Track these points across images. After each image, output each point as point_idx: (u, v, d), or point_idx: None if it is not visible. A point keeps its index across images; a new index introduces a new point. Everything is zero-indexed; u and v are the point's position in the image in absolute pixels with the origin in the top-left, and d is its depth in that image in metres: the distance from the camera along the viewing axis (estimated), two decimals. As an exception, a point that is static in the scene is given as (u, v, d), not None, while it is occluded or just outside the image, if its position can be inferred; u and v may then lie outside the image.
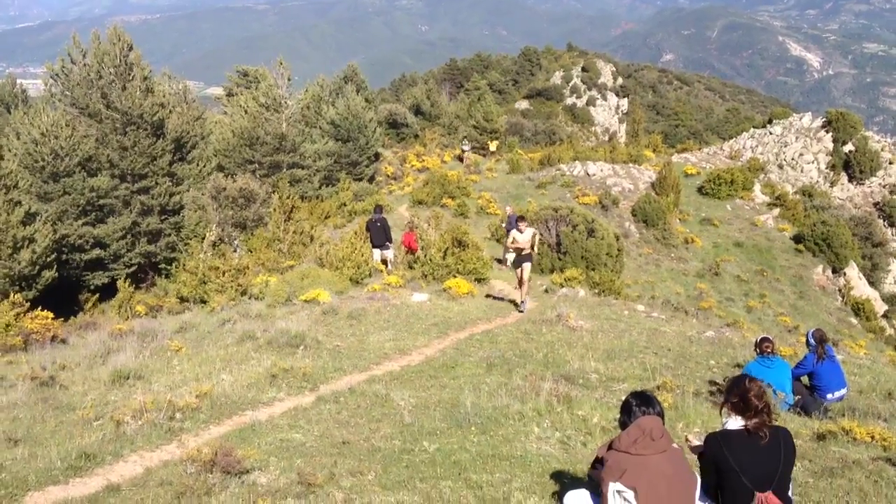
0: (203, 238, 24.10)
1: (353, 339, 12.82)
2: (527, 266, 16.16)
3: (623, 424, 4.80)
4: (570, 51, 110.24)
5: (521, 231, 16.04)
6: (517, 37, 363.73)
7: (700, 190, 37.75)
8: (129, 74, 28.20)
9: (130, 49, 28.35)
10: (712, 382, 10.59)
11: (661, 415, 4.79)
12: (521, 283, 16.27)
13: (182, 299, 19.83)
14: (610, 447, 4.78)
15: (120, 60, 28.06)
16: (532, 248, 16.22)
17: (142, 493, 6.59)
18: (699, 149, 50.87)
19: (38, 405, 10.22)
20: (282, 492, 6.37)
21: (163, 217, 28.45)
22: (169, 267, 28.19)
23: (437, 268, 19.07)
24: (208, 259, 19.64)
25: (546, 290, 18.66)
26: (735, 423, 4.91)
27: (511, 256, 16.74)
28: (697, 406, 8.96)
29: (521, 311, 15.77)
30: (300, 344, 12.27)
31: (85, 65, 28.26)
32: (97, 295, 25.93)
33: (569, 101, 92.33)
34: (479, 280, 19.10)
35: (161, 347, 13.15)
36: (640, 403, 4.80)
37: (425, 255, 20.09)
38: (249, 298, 18.03)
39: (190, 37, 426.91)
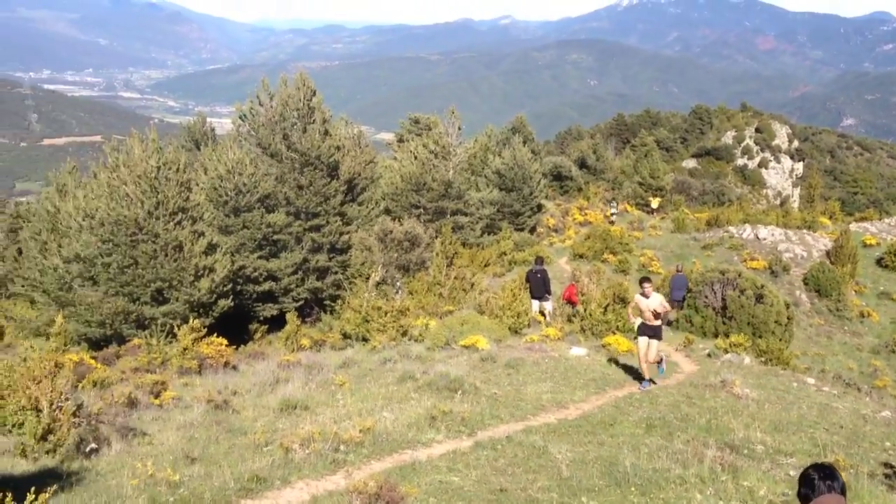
0: (367, 278, 24.88)
1: (510, 388, 12.86)
2: (654, 344, 13.79)
3: (804, 498, 4.56)
4: (744, 111, 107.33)
5: (645, 296, 13.76)
6: (688, 95, 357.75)
7: (879, 262, 35.67)
8: (311, 118, 29.69)
9: (314, 94, 29.87)
10: (888, 465, 9.94)
11: (843, 492, 4.53)
12: (641, 360, 13.89)
13: (345, 336, 20.50)
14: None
15: (303, 104, 29.60)
16: (658, 317, 13.81)
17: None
18: (879, 218, 48.15)
19: (213, 427, 10.81)
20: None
21: (331, 255, 29.58)
22: (333, 304, 29.20)
23: (597, 323, 18.89)
24: (372, 299, 20.22)
25: (709, 355, 18.09)
26: None
27: (637, 321, 14.19)
28: (872, 488, 8.45)
29: (643, 389, 13.44)
30: (458, 388, 12.42)
31: (271, 107, 30.00)
32: (266, 326, 27.15)
33: (739, 161, 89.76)
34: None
35: (326, 381, 13.64)
36: (823, 477, 4.51)
37: (585, 310, 19.94)
38: (409, 340, 18.41)
39: (365, 84, 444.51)
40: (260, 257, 27.62)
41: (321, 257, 29.26)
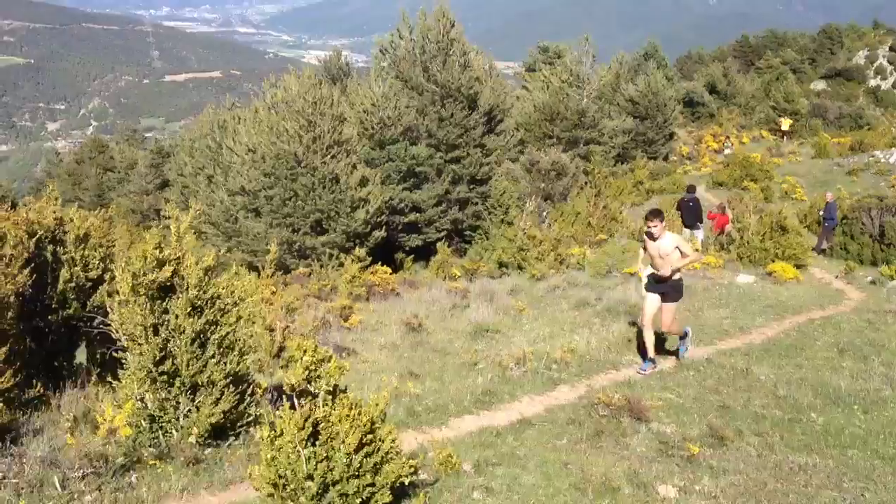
0: (506, 209, 25.39)
1: (689, 314, 13.17)
2: (668, 307, 9.87)
3: None
4: (877, 28, 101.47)
5: (652, 237, 9.76)
6: (815, 12, 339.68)
7: None
8: (450, 50, 29.98)
9: (452, 26, 30.06)
10: None
11: None
12: (645, 325, 9.91)
13: (500, 264, 21.07)
14: None
15: (442, 36, 29.87)
16: (674, 270, 9.68)
17: (555, 428, 7.45)
18: None
19: (417, 348, 11.56)
20: (695, 441, 6.95)
21: (471, 186, 30.10)
22: (473, 234, 29.87)
23: (756, 251, 18.86)
24: (527, 228, 20.69)
25: (873, 282, 17.87)
26: None
27: (646, 271, 10.21)
28: None
29: (643, 373, 9.62)
30: (637, 313, 12.81)
31: (411, 40, 30.42)
32: (411, 256, 28.05)
33: (872, 82, 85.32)
34: (798, 266, 18.66)
35: (505, 306, 14.24)
36: None
37: (741, 238, 19.90)
38: (567, 268, 18.85)
39: (476, 11, 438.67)
40: (405, 189, 28.41)
41: (462, 188, 29.81)
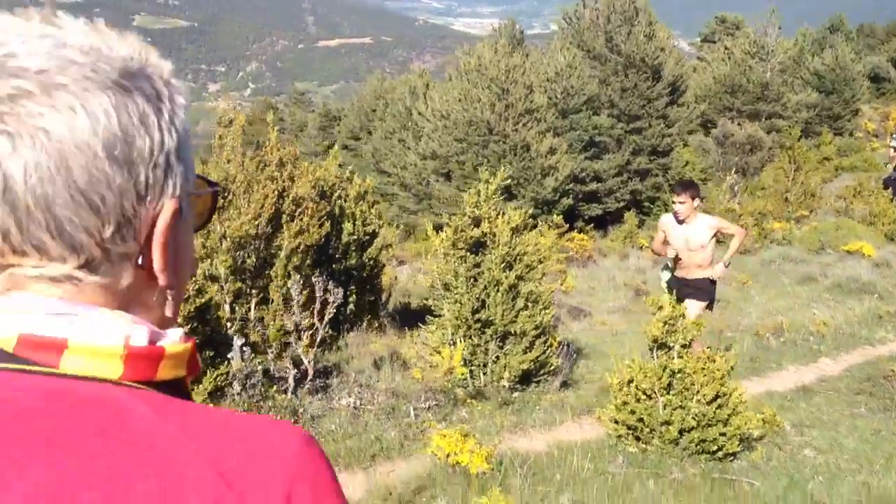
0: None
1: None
2: (692, 305, 7.22)
3: None
4: None
5: (678, 218, 7.28)
6: None
7: None
8: (636, 19, 29.72)
9: (639, -6, 29.82)
10: None
11: None
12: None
13: (696, 237, 20.91)
14: None
15: (628, 5, 29.64)
16: (708, 263, 7.41)
17: (842, 397, 7.59)
18: None
19: (644, 314, 11.79)
20: None
21: (651, 158, 29.89)
22: (651, 206, 29.70)
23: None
24: (725, 201, 20.49)
25: None
26: None
27: (665, 274, 7.81)
28: None
29: None
30: (871, 291, 12.60)
31: (595, 9, 30.32)
32: (591, 225, 28.20)
33: None
34: None
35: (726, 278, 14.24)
36: None
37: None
38: (771, 243, 18.58)
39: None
40: (586, 158, 28.51)
41: (642, 159, 29.65)
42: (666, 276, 7.61)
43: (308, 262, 8.95)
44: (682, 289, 7.14)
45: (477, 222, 7.39)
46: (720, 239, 7.83)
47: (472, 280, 7.22)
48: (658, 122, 29.70)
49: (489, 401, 7.00)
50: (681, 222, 7.16)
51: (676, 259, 7.42)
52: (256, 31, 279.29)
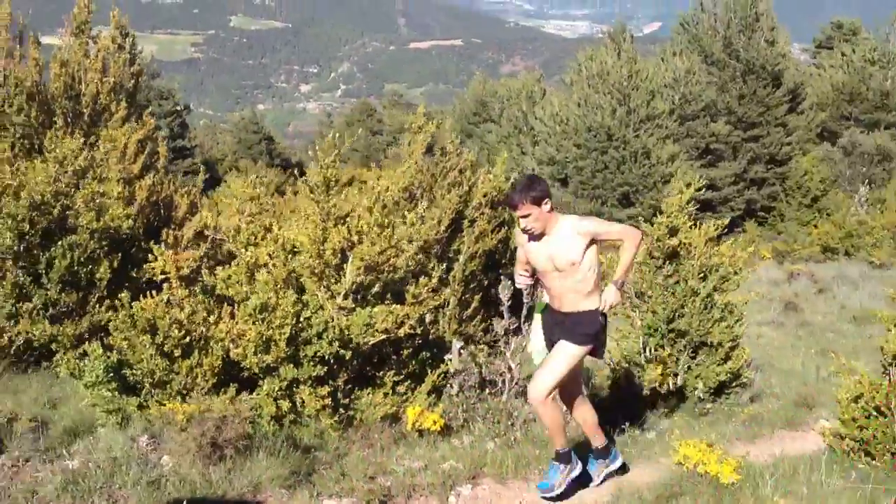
0: (806, 192, 24.45)
1: None
2: (560, 351, 4.69)
3: None
4: None
5: (528, 232, 4.61)
6: None
7: None
8: (756, 25, 29.22)
9: (762, -1, 29.32)
10: None
11: None
12: (540, 412, 4.68)
13: (825, 249, 20.54)
14: None
15: (749, 11, 29.17)
16: (591, 289, 4.70)
17: None
18: None
19: (804, 327, 11.67)
20: None
21: (769, 166, 29.34)
22: (767, 216, 29.17)
23: None
24: (857, 214, 20.05)
25: None
26: None
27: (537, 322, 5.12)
28: None
29: (542, 494, 4.75)
30: None
31: (714, 14, 29.93)
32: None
33: None
34: None
35: (872, 293, 13.98)
36: None
37: None
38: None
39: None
40: (701, 166, 28.17)
41: (759, 168, 29.15)
42: (538, 325, 5.08)
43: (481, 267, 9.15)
44: (553, 329, 4.85)
45: (673, 232, 7.46)
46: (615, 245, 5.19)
47: (668, 290, 7.30)
48: (777, 130, 29.16)
49: (682, 411, 7.08)
50: (536, 237, 4.63)
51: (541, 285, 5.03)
52: (349, 32, 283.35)
